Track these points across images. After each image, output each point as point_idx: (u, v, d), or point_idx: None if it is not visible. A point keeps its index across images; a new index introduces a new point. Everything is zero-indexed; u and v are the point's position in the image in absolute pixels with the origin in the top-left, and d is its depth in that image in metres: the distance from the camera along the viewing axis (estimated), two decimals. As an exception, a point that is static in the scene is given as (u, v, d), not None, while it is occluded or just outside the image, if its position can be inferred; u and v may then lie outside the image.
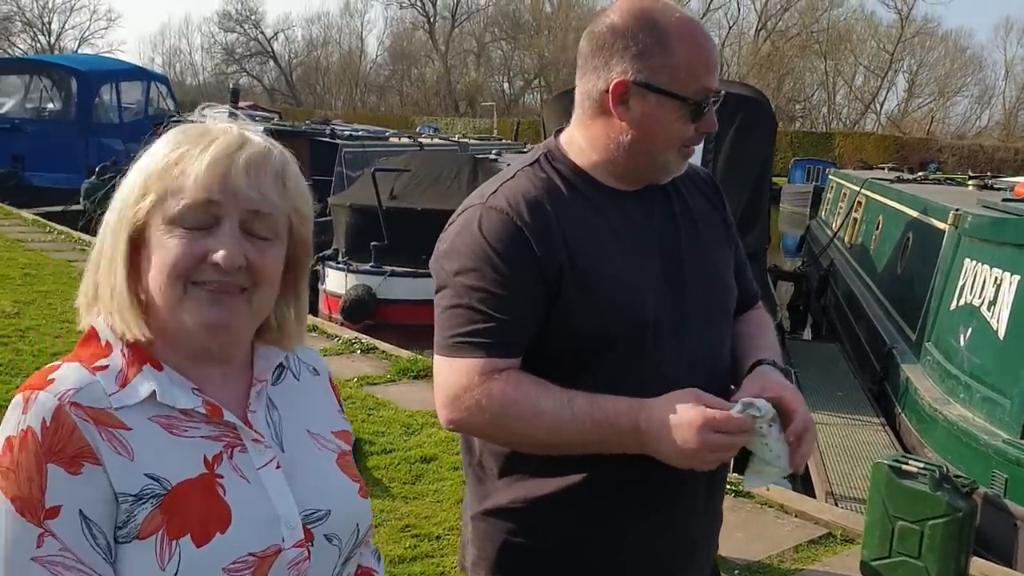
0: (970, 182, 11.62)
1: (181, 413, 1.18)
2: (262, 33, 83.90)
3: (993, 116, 64.92)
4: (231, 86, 24.15)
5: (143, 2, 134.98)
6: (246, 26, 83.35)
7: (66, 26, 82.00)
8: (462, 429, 1.73)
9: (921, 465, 4.42)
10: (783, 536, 4.88)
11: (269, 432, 1.26)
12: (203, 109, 1.27)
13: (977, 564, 4.64)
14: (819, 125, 63.32)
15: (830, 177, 21.02)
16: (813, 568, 4.56)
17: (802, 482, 6.85)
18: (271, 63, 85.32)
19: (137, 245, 1.19)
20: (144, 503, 1.11)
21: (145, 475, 1.12)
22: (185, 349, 1.21)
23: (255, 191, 1.18)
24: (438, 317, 1.73)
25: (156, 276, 1.17)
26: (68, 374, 1.16)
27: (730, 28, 70.10)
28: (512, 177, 1.77)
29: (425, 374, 7.42)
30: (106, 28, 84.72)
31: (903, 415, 7.00)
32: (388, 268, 10.57)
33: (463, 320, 1.67)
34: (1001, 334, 5.89)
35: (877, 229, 11.63)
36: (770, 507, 5.22)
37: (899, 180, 13.17)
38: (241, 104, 25.74)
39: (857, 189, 14.30)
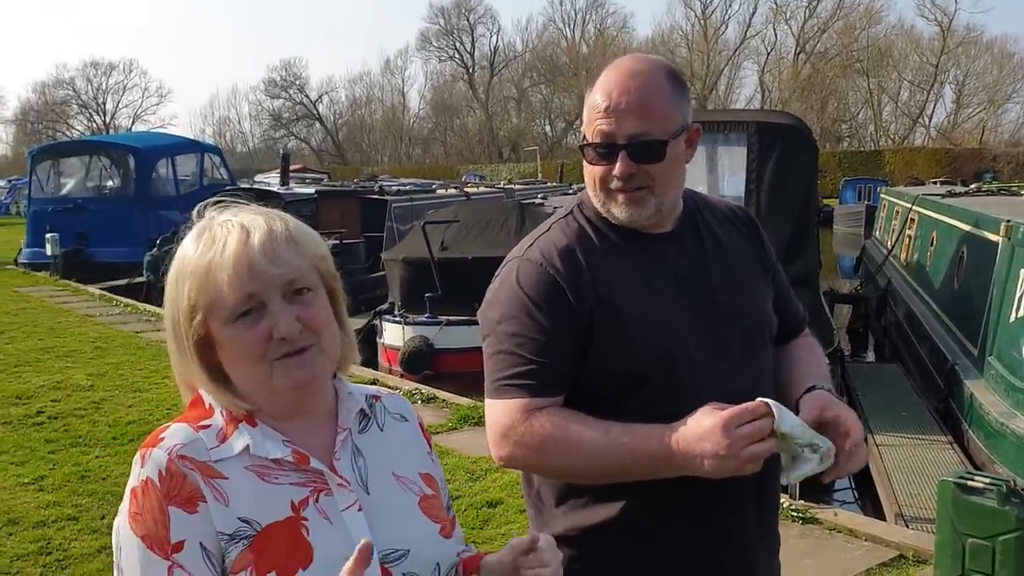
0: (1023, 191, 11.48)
1: (273, 462, 1.32)
2: (307, 97, 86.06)
3: (1048, 120, 63.71)
4: (281, 151, 24.76)
5: (192, 76, 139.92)
6: (291, 91, 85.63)
7: (120, 105, 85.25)
8: (512, 464, 1.84)
9: (987, 480, 4.38)
10: (853, 561, 4.85)
11: (354, 477, 1.38)
12: (215, 207, 1.39)
13: (1056, 578, 4.57)
14: (867, 143, 62.74)
15: (882, 195, 20.79)
16: (886, 591, 4.53)
17: (871, 505, 6.78)
18: (317, 125, 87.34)
19: (207, 347, 1.34)
20: (237, 543, 1.26)
21: (238, 518, 1.27)
22: (274, 408, 1.36)
23: (279, 266, 1.32)
24: (485, 363, 1.86)
25: (240, 367, 1.33)
26: (175, 433, 1.32)
27: (768, 54, 70.17)
28: (547, 230, 1.90)
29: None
30: (158, 104, 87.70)
31: (970, 432, 6.90)
32: (444, 318, 10.73)
33: (506, 364, 1.80)
34: (1062, 343, 5.83)
35: (931, 245, 11.51)
36: (839, 532, 5.20)
37: (950, 194, 13.01)
38: (292, 167, 26.45)
39: (909, 206, 14.16)
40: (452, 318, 10.61)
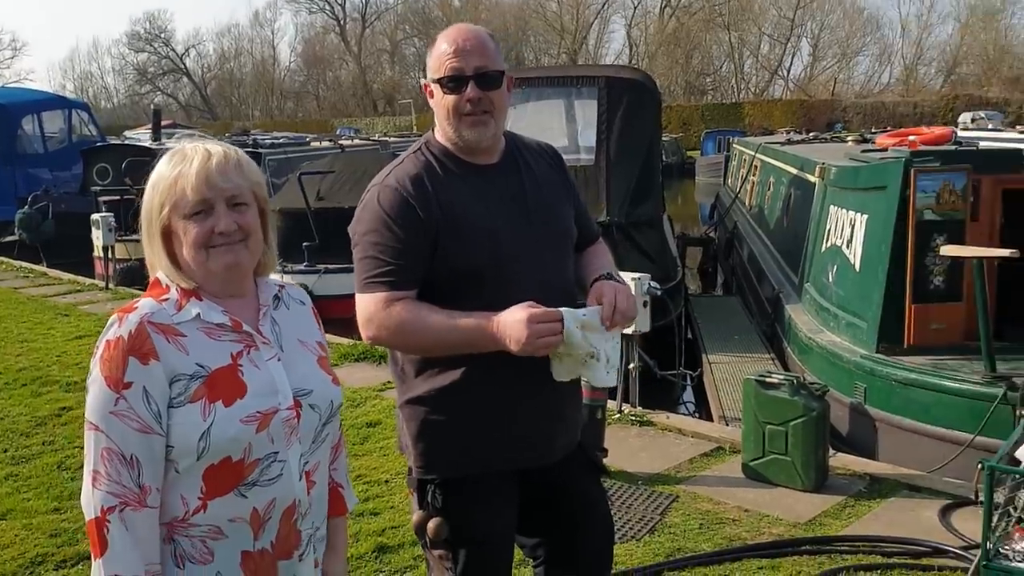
0: (849, 138, 12.66)
1: (216, 326, 1.89)
2: (173, 50, 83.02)
3: (893, 73, 67.32)
4: (152, 107, 24.29)
5: (49, 29, 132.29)
6: (156, 44, 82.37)
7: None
8: (378, 343, 2.47)
9: (781, 377, 5.31)
10: (680, 452, 5.74)
11: (273, 338, 1.96)
12: (179, 138, 1.97)
13: (841, 457, 5.55)
14: (729, 96, 64.89)
15: (733, 145, 22.04)
16: (704, 474, 5.42)
17: (705, 414, 7.76)
18: (184, 79, 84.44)
19: (168, 236, 1.90)
20: (195, 380, 1.82)
21: (195, 363, 1.83)
22: (213, 289, 1.92)
23: (227, 182, 1.88)
24: (355, 267, 2.46)
25: (188, 252, 1.88)
26: (146, 303, 1.87)
27: (635, 8, 71.46)
28: (401, 162, 2.52)
29: (364, 357, 8.18)
30: (12, 57, 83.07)
31: (788, 348, 7.94)
32: (322, 266, 11.16)
33: (371, 266, 2.41)
34: (857, 267, 6.84)
35: (769, 189, 12.62)
36: (670, 431, 6.10)
37: (789, 142, 14.16)
38: (163, 123, 26.00)
39: (753, 154, 15.30)
40: (331, 266, 11.06)
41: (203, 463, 1.80)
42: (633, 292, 2.72)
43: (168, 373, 1.80)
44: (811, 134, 17.16)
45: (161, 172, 1.90)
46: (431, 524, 2.47)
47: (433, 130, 2.58)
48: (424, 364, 2.49)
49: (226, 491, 1.82)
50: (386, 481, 5.30)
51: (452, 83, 2.41)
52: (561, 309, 2.31)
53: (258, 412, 1.84)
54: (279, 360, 1.93)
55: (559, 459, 2.59)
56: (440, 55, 2.42)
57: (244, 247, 1.90)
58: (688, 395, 8.66)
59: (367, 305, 2.41)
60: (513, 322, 2.27)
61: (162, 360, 1.80)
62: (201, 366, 1.83)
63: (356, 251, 2.46)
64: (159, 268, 1.93)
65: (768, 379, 5.26)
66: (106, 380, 1.79)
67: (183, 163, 1.88)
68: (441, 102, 2.44)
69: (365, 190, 2.52)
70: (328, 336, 9.16)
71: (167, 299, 1.89)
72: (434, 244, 2.40)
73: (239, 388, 1.84)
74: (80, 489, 1.85)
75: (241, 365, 1.87)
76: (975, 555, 4.25)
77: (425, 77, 2.53)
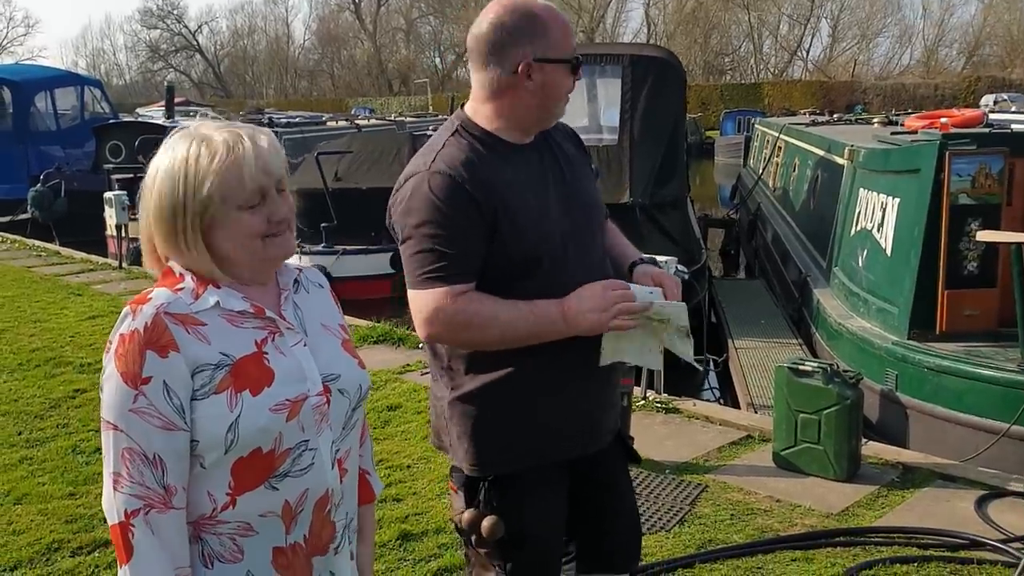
0: (875, 120, 12.44)
1: (238, 313, 1.78)
2: (186, 27, 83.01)
3: (914, 55, 66.64)
4: (165, 84, 24.13)
5: (61, 5, 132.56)
6: (168, 21, 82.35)
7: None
8: (439, 340, 2.34)
9: (814, 364, 5.16)
10: (708, 440, 5.60)
11: (296, 323, 1.86)
12: (196, 118, 1.86)
13: (873, 446, 5.41)
14: (748, 76, 64.37)
15: (755, 126, 21.77)
16: (733, 463, 5.28)
17: (731, 400, 7.62)
18: (197, 57, 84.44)
19: (208, 226, 1.75)
20: (220, 370, 1.71)
21: (219, 352, 1.72)
22: (238, 276, 1.80)
23: (275, 168, 1.78)
24: (406, 261, 2.31)
25: (243, 242, 1.75)
26: (160, 293, 1.75)
27: (654, -13, 70.80)
28: (443, 146, 2.34)
29: (384, 339, 8.06)
30: (25, 34, 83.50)
31: (816, 334, 7.78)
32: (340, 247, 11.06)
33: (427, 261, 2.25)
34: (888, 251, 6.67)
35: (794, 171, 12.42)
36: (697, 419, 5.95)
37: (814, 123, 13.94)
38: (176, 100, 25.88)
39: (777, 135, 15.07)
40: (348, 247, 10.95)
41: (231, 456, 1.70)
42: None
43: (190, 364, 1.69)
44: (835, 115, 16.91)
45: (200, 164, 1.73)
46: (486, 523, 2.35)
47: (463, 107, 2.44)
48: (474, 359, 2.36)
49: (256, 485, 1.72)
50: (408, 466, 5.20)
51: (576, 65, 2.35)
52: (631, 284, 2.29)
53: (287, 400, 1.73)
54: (304, 345, 1.83)
55: (603, 447, 2.52)
56: (558, 35, 2.31)
57: (292, 234, 1.82)
58: (712, 380, 8.51)
59: (428, 301, 2.26)
60: (589, 295, 2.23)
61: (183, 351, 1.68)
62: (225, 355, 1.72)
63: (409, 244, 2.29)
64: (181, 259, 1.78)
65: (801, 366, 5.11)
66: (122, 376, 1.67)
67: (230, 153, 1.73)
68: (563, 82, 2.35)
69: (403, 178, 2.35)
70: (346, 318, 9.28)
71: (182, 288, 1.76)
72: (492, 229, 2.26)
73: (266, 376, 1.73)
74: (95, 473, 1.74)
75: (266, 352, 1.76)
76: (1015, 548, 4.14)
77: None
